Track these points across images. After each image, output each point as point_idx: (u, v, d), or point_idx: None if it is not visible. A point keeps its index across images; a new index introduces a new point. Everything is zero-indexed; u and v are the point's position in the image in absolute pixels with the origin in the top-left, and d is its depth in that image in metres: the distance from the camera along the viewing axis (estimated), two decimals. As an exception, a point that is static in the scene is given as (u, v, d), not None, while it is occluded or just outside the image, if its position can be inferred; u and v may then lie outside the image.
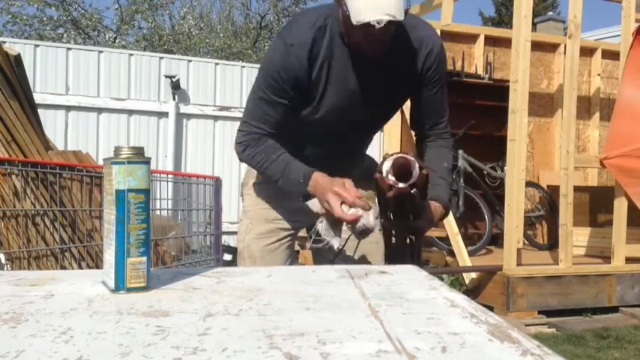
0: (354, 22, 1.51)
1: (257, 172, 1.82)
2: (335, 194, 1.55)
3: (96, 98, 6.70)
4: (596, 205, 5.99)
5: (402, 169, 1.51)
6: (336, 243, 1.60)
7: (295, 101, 1.69)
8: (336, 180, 1.59)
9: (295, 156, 1.72)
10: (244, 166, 1.90)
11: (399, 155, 1.52)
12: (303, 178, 1.64)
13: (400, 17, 1.51)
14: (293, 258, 1.93)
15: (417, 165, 1.51)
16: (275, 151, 1.70)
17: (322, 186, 1.60)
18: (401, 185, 1.50)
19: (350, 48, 1.66)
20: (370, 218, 1.52)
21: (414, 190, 1.53)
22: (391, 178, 1.51)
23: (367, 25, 1.50)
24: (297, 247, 2.45)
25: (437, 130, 1.87)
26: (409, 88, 1.79)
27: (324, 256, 1.82)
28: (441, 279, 4.47)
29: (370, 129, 1.93)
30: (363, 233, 1.55)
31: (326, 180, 1.61)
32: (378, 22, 1.49)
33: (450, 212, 5.05)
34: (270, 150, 1.70)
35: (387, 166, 1.52)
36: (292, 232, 1.88)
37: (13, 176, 3.34)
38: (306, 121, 1.74)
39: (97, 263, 3.49)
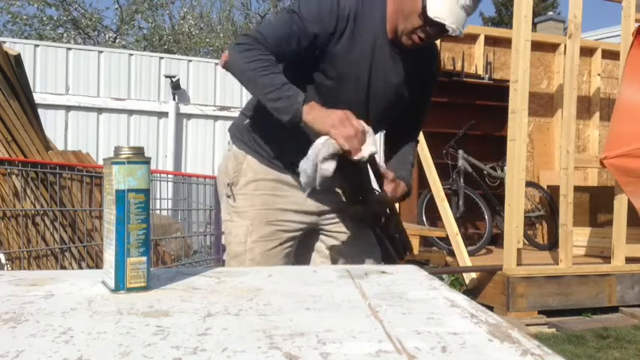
0: (431, 15, 1.57)
1: (245, 76, 1.58)
2: (341, 120, 1.48)
3: (96, 98, 6.70)
4: (596, 205, 5.99)
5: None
6: (326, 167, 1.49)
7: (313, 52, 1.63)
8: (336, 111, 1.51)
9: (284, 142, 1.71)
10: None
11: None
12: (303, 98, 1.52)
13: (461, 36, 1.62)
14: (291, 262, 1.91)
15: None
16: (278, 69, 1.56)
17: (324, 111, 1.51)
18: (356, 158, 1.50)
19: (390, 32, 1.69)
20: (371, 146, 1.50)
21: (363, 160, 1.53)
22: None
23: (438, 24, 1.58)
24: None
25: (412, 134, 1.93)
26: (413, 92, 1.81)
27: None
28: (441, 279, 4.48)
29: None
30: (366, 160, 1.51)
31: (324, 109, 1.52)
32: (452, 30, 1.58)
33: (451, 211, 5.11)
34: (274, 66, 1.55)
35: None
36: (293, 234, 1.83)
37: (13, 176, 3.34)
38: (315, 93, 1.69)
39: (97, 263, 3.49)
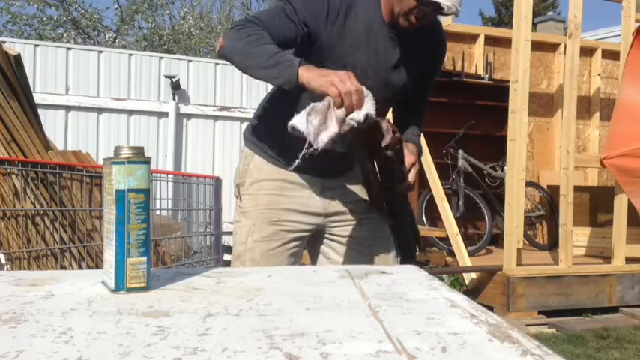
0: None
1: (240, 52, 1.55)
2: (341, 78, 1.42)
3: (96, 98, 6.71)
4: (596, 205, 5.99)
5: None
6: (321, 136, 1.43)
7: (306, 38, 1.61)
8: (335, 71, 1.46)
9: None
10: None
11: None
12: (299, 60, 1.48)
13: (458, 15, 1.59)
14: (298, 263, 1.90)
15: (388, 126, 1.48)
16: (272, 41, 1.53)
17: (323, 70, 1.47)
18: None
19: (386, 16, 1.67)
20: (371, 108, 1.43)
21: (390, 152, 1.51)
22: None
23: (432, 3, 1.55)
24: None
25: (419, 115, 1.92)
26: (416, 73, 1.79)
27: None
28: (441, 279, 4.48)
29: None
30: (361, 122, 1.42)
31: (323, 69, 1.48)
32: (448, 8, 1.55)
33: (451, 211, 5.11)
34: (268, 38, 1.53)
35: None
36: (297, 234, 1.81)
37: (13, 176, 3.34)
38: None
39: (97, 263, 3.49)
